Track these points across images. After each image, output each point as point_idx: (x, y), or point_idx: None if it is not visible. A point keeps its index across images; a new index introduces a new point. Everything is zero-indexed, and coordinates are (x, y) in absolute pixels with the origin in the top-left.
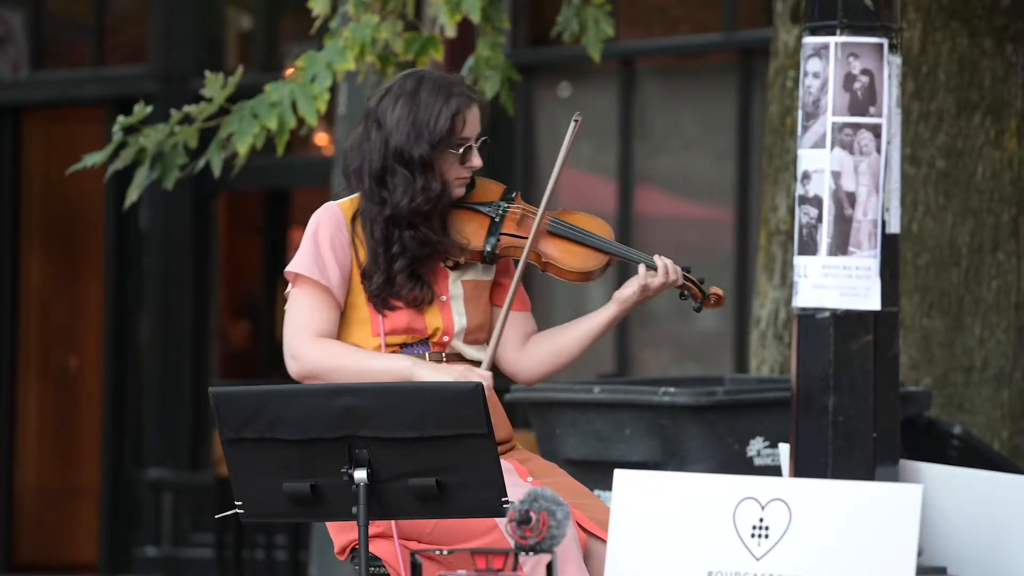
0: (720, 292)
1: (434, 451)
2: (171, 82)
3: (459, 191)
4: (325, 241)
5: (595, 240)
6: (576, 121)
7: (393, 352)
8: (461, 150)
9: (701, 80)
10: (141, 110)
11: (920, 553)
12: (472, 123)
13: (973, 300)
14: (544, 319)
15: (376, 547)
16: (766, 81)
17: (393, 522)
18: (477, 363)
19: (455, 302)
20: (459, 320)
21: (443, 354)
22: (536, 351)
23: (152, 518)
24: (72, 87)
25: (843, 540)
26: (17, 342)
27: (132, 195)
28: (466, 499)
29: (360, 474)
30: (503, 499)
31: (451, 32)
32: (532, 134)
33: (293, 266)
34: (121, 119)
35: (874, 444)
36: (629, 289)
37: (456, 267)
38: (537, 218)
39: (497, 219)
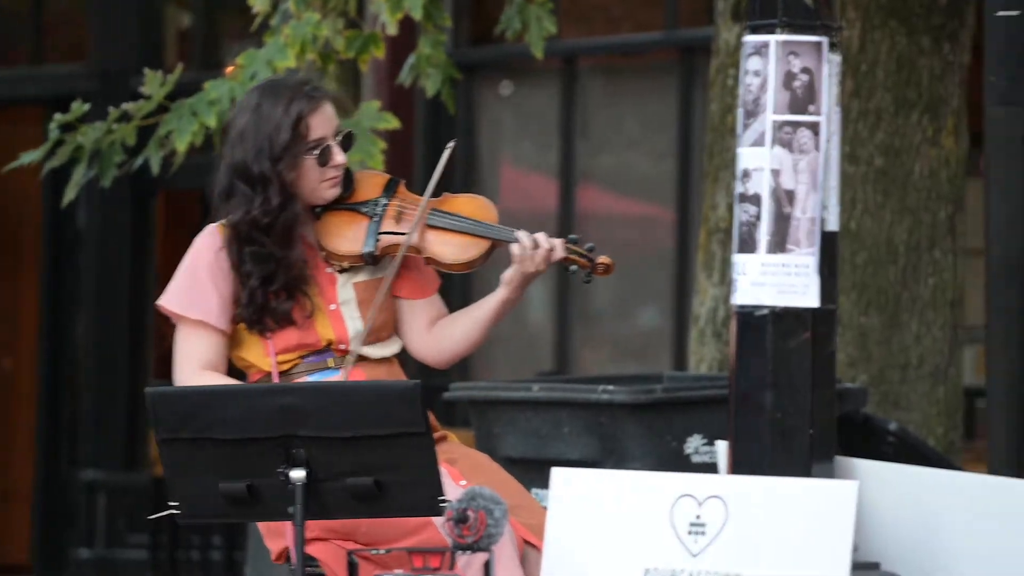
0: (608, 261)
1: (372, 450)
2: (110, 81)
3: (332, 192)
4: (203, 269)
5: (473, 227)
6: (449, 148)
7: (294, 365)
8: (318, 152)
9: (642, 78)
10: (79, 108)
11: (855, 549)
12: (322, 123)
13: (910, 298)
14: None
15: (312, 548)
16: (707, 79)
17: (289, 523)
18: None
19: (346, 307)
20: (353, 325)
21: (347, 358)
22: (440, 336)
23: (86, 519)
24: (9, 86)
25: (779, 536)
26: None
27: (70, 193)
28: (404, 498)
29: (297, 474)
30: (440, 498)
31: (392, 30)
32: (473, 132)
33: (165, 301)
34: (58, 117)
35: (811, 441)
36: (510, 270)
37: (344, 271)
38: (415, 220)
39: (376, 218)
